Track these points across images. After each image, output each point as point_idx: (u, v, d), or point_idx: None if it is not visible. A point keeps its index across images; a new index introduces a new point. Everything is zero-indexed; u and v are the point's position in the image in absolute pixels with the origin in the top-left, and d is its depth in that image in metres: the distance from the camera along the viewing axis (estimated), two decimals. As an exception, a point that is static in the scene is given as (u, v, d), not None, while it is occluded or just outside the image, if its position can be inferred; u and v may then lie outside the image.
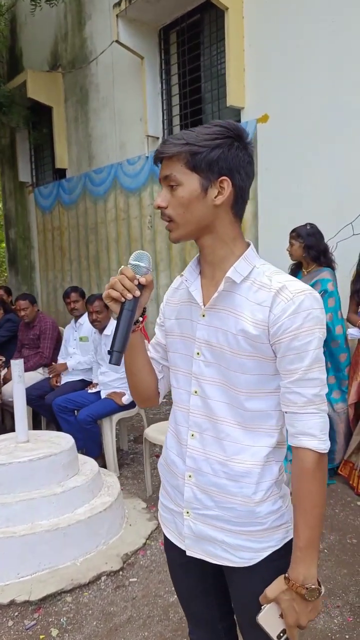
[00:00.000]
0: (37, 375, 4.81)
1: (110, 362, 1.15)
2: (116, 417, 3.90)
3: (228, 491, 1.18)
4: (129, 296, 1.13)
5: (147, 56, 6.10)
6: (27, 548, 2.58)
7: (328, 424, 1.13)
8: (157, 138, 6.26)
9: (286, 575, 1.12)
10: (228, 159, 1.11)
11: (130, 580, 2.62)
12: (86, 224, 7.71)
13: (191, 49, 5.85)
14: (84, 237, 7.83)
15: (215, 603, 1.37)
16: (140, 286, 1.16)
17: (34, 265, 9.51)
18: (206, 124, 1.15)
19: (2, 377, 4.66)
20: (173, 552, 1.33)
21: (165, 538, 1.36)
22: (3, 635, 2.28)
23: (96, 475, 3.04)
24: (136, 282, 1.15)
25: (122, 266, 1.16)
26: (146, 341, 1.34)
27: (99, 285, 7.55)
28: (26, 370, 4.74)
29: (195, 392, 1.22)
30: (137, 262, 1.17)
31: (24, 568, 2.57)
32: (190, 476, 1.23)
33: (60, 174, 8.32)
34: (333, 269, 3.54)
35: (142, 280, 1.16)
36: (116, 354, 1.13)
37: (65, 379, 4.52)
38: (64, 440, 3.08)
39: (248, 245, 1.19)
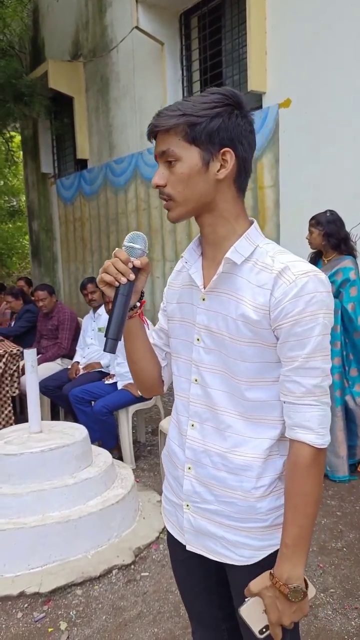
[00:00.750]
0: (56, 365, 4.81)
1: (104, 350, 1.10)
2: (132, 408, 3.85)
3: (228, 485, 1.11)
4: (123, 280, 1.07)
5: (168, 42, 6.00)
6: (38, 539, 2.55)
7: (329, 417, 1.04)
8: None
9: (271, 571, 1.06)
10: (229, 128, 1.03)
11: (142, 574, 2.57)
12: (107, 214, 7.67)
13: (212, 34, 5.72)
14: (105, 228, 7.80)
15: (218, 602, 1.31)
16: (136, 269, 1.10)
17: (57, 257, 9.53)
18: (202, 92, 1.07)
19: (20, 367, 4.65)
20: (175, 547, 1.28)
21: (168, 532, 1.31)
22: (12, 627, 2.25)
23: (109, 467, 3.00)
24: (130, 265, 1.09)
25: (116, 248, 1.10)
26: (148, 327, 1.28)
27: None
28: (44, 360, 4.76)
29: (196, 380, 1.15)
30: (131, 244, 1.11)
31: (34, 559, 2.54)
32: (189, 468, 1.18)
33: (82, 164, 8.30)
34: (354, 257, 3.40)
35: (137, 262, 1.10)
36: (110, 341, 1.08)
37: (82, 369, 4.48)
38: (78, 431, 3.04)
39: (251, 223, 1.11)
